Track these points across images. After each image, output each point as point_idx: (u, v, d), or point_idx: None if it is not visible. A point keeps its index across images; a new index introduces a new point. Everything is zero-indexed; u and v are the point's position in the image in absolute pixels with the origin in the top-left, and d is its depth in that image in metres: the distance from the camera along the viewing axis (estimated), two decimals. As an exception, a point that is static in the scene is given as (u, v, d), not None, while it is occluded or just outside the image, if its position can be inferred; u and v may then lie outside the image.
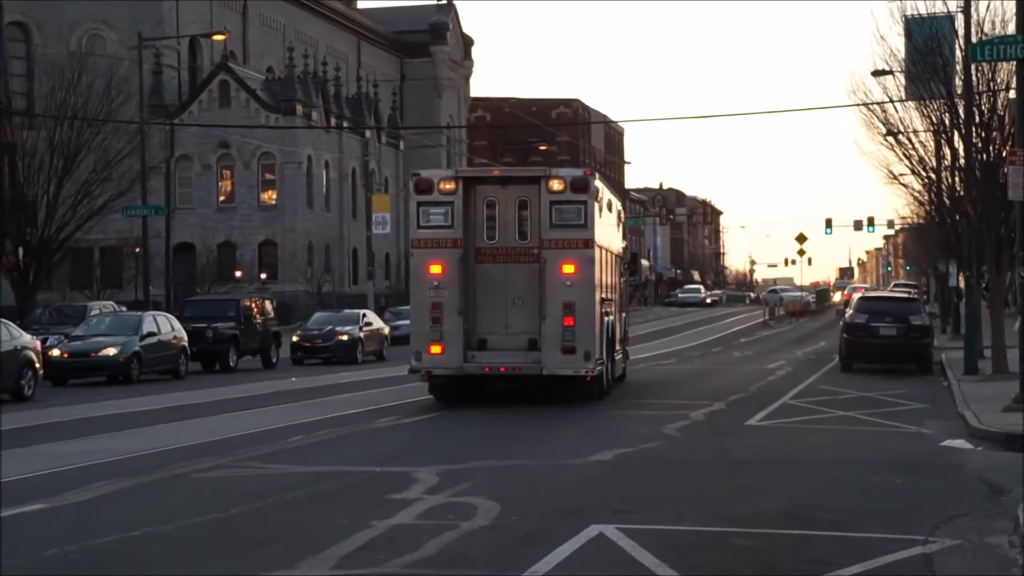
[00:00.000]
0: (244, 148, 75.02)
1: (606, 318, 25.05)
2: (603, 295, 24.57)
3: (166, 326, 36.23)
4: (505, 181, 23.96)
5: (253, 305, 42.39)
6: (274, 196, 75.94)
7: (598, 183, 23.79)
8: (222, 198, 76.09)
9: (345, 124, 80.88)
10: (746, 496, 13.47)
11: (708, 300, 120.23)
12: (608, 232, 25.58)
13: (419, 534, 11.21)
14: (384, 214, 69.75)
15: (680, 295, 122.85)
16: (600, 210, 23.84)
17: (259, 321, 41.73)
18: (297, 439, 19.17)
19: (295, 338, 44.22)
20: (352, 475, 15.16)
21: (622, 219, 30.19)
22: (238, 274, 72.65)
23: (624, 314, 30.36)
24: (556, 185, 22.98)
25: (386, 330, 47.93)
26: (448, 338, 23.24)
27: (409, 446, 18.42)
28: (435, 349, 23.34)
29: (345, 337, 43.58)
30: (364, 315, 46.23)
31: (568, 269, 22.89)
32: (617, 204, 27.83)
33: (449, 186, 23.26)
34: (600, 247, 23.97)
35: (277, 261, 75.03)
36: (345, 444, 18.81)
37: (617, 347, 27.48)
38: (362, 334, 44.30)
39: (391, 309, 63.49)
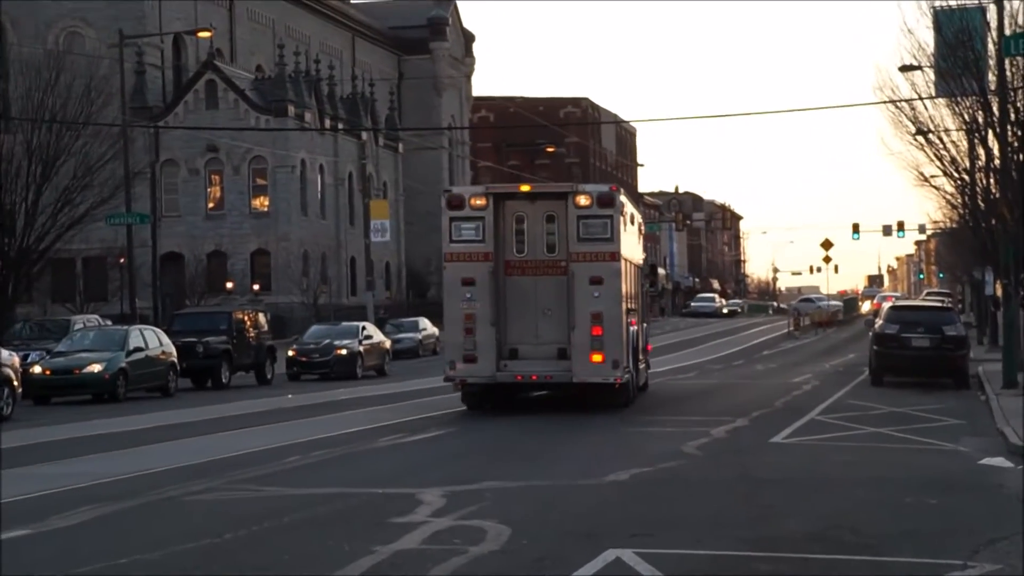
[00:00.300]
0: (233, 152, 75.19)
1: (631, 328, 27.15)
2: (628, 305, 26.77)
3: (154, 341, 36.32)
4: (533, 197, 26.19)
5: (246, 318, 42.48)
6: (266, 202, 76.07)
7: (622, 198, 25.91)
8: (211, 205, 76.24)
9: (340, 125, 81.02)
10: (770, 518, 13.50)
11: (725, 310, 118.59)
12: (631, 244, 27.74)
13: (424, 560, 11.25)
14: (383, 221, 69.83)
15: (693, 304, 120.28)
16: (625, 224, 26.03)
17: (252, 335, 41.82)
18: (294, 459, 19.21)
19: (291, 353, 44.30)
20: (353, 497, 15.20)
21: (642, 231, 32.24)
22: (229, 285, 72.77)
23: (645, 324, 32.40)
24: (583, 200, 25.23)
25: (387, 344, 48.03)
26: (481, 348, 25.41)
27: (414, 466, 18.46)
28: (469, 359, 25.52)
29: (344, 351, 43.66)
30: (364, 328, 46.32)
31: (596, 281, 25.11)
32: (638, 217, 30.24)
33: (480, 202, 25.48)
34: (625, 259, 26.19)
35: (270, 271, 75.13)
36: (345, 464, 18.85)
37: (640, 356, 29.60)
38: (362, 348, 44.38)
39: (392, 321, 63.59)
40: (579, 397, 26.61)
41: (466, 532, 12.58)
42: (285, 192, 75.74)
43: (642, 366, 30.28)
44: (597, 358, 25.15)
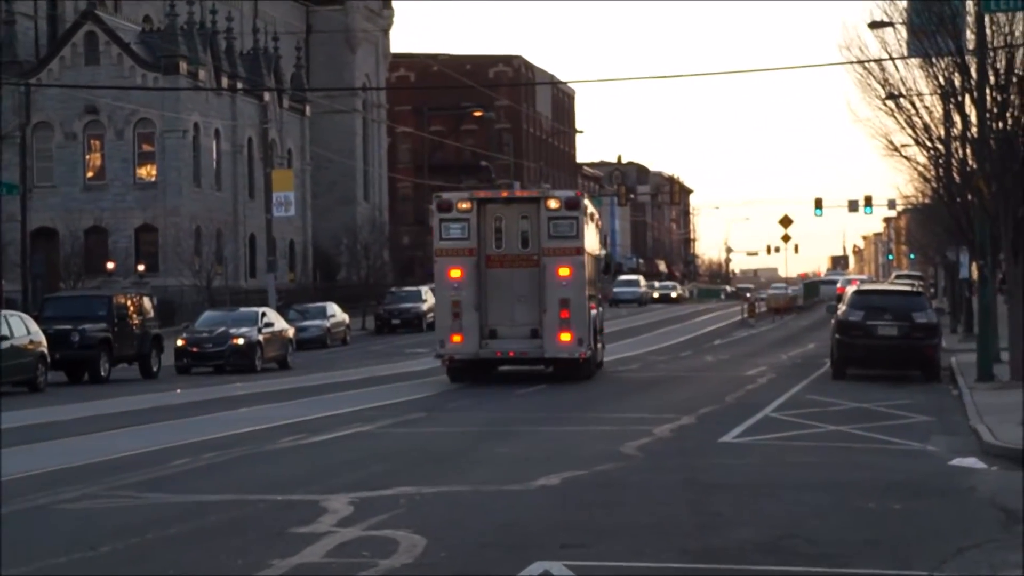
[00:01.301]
0: (116, 114, 74.53)
1: (592, 311, 34.51)
2: (590, 292, 33.95)
3: (20, 328, 35.96)
4: (510, 201, 34.30)
5: (129, 303, 42.19)
6: (154, 172, 75.50)
7: (586, 202, 33.65)
8: (90, 174, 75.55)
9: (239, 85, 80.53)
10: (718, 526, 13.60)
11: (655, 295, 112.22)
12: (592, 240, 35.14)
13: (329, 575, 11.21)
14: (287, 193, 69.53)
15: (614, 290, 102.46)
16: (587, 223, 33.67)
17: (136, 322, 41.55)
18: (182, 462, 19.13)
19: (180, 342, 44.06)
20: (249, 505, 15.15)
21: (599, 225, 39.46)
22: (110, 266, 72.20)
23: (601, 308, 39.48)
24: (553, 204, 32.90)
25: (290, 332, 47.86)
26: (466, 329, 32.77)
27: (319, 469, 18.42)
28: (456, 339, 32.91)
29: (241, 341, 43.49)
30: (263, 314, 46.13)
31: (564, 272, 32.57)
32: (597, 215, 38.11)
33: (466, 206, 33.06)
34: (587, 253, 33.54)
35: (158, 250, 74.64)
36: (241, 468, 18.78)
37: (598, 335, 36.42)
38: (261, 337, 44.21)
39: (296, 307, 63.40)
40: (547, 372, 34.42)
41: (376, 543, 12.58)
42: (175, 160, 75.19)
43: (599, 345, 37.07)
44: (565, 337, 32.71)
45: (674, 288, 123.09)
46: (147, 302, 43.69)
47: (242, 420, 25.79)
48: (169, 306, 65.41)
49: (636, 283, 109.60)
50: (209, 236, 77.21)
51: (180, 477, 17.72)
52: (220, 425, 24.67)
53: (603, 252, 41.36)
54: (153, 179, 75.58)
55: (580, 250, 32.83)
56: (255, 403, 30.09)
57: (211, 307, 55.42)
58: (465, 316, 32.81)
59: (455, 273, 32.94)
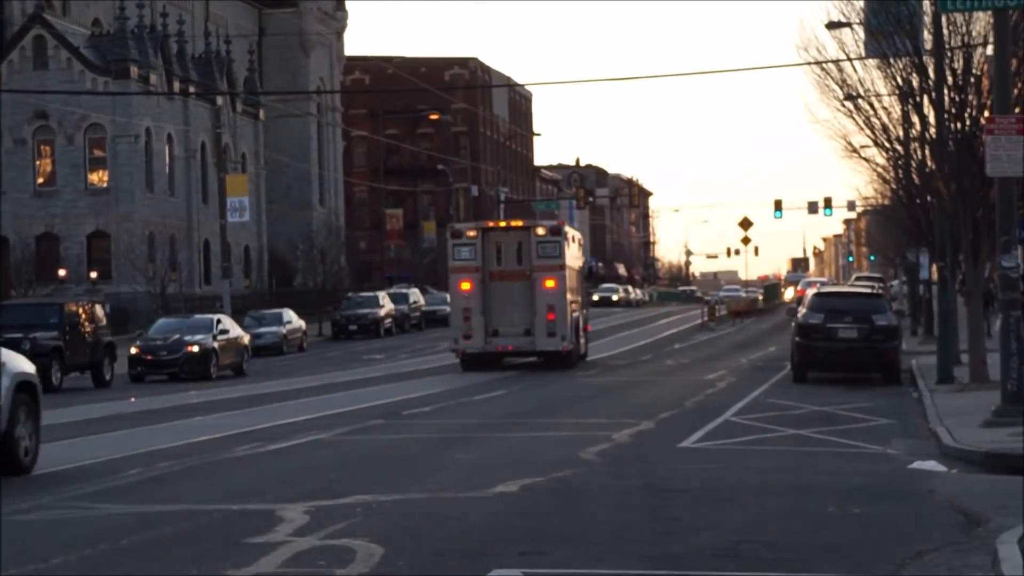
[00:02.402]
0: (67, 119, 74.15)
1: (574, 314, 42.99)
2: (571, 299, 42.56)
3: (-29, 337, 35.73)
4: (507, 229, 43.65)
5: (81, 310, 42.02)
6: (105, 177, 75.17)
7: (566, 228, 43.52)
8: (40, 180, 75.15)
9: (191, 89, 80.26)
10: (677, 532, 13.64)
11: (595, 296, 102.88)
12: (573, 257, 43.70)
13: (284, 585, 11.22)
14: (241, 198, 69.38)
15: None
16: (568, 244, 42.50)
17: (88, 330, 41.37)
18: (135, 472, 19.05)
19: (134, 350, 43.89)
20: (203, 514, 15.10)
21: (582, 244, 48.63)
22: (62, 273, 71.85)
23: (585, 311, 48.46)
24: (540, 231, 42.33)
25: (246, 339, 47.74)
26: (475, 329, 41.52)
27: (274, 478, 18.38)
28: (467, 337, 41.69)
29: (196, 348, 43.38)
30: (219, 321, 46.03)
31: (549, 284, 41.37)
32: (579, 236, 47.22)
33: (472, 233, 42.09)
34: (568, 268, 42.17)
35: (111, 256, 74.32)
36: (195, 477, 18.72)
37: (581, 334, 45.37)
38: (216, 344, 44.11)
39: (252, 313, 63.21)
40: (539, 362, 42.76)
41: (332, 552, 12.55)
42: (127, 165, 74.88)
43: (582, 340, 46.07)
44: (551, 334, 41.43)
45: (615, 291, 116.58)
46: (99, 310, 43.53)
47: (197, 429, 25.71)
48: (122, 313, 65.14)
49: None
50: (163, 242, 76.89)
51: (134, 487, 17.66)
52: (174, 434, 24.60)
53: (585, 265, 51.77)
54: (105, 185, 75.26)
55: (562, 267, 41.80)
56: (210, 411, 30.02)
57: (165, 314, 55.22)
58: (474, 319, 41.54)
59: (465, 286, 41.83)
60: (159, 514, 15.12)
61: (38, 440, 19.37)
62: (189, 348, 43.35)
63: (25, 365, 19.39)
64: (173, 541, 13.59)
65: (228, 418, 27.93)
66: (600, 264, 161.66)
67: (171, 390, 38.02)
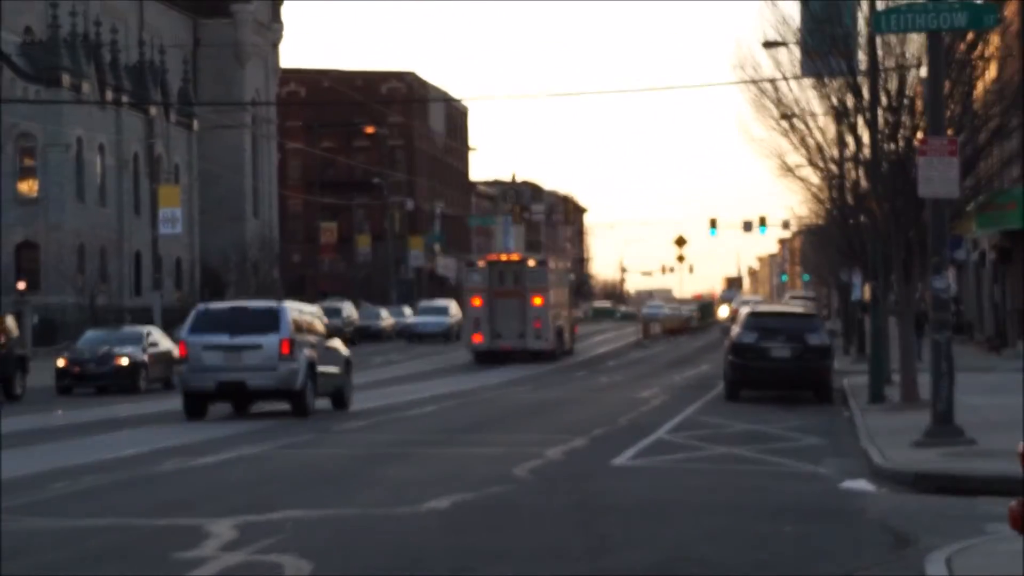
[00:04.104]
0: (-3, 127, 73.44)
1: (557, 322, 58.36)
2: (554, 312, 57.98)
3: None
4: (508, 262, 58.45)
5: (-11, 323, 41.37)
6: (35, 187, 74.57)
7: (550, 261, 60.99)
8: (-31, 189, 74.37)
9: (124, 98, 79.78)
10: (608, 549, 13.69)
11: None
12: (556, 281, 59.74)
13: (212, 600, 11.17)
14: (174, 209, 69.08)
15: (414, 321, 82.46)
16: (551, 272, 58.73)
17: (0, 342, 40.74)
18: (60, 486, 18.90)
19: (61, 362, 43.46)
20: (131, 530, 15.02)
21: (568, 268, 68.89)
22: (-11, 283, 71.05)
23: (572, 317, 66.93)
24: (531, 263, 57.96)
25: (176, 352, 47.32)
26: (484, 333, 55.96)
27: (203, 493, 18.29)
28: (477, 338, 56.33)
29: (125, 361, 43.01)
30: (148, 333, 45.65)
31: (537, 301, 56.28)
32: (563, 264, 68.72)
33: (482, 264, 57.79)
34: (551, 289, 57.45)
35: (40, 267, 73.70)
36: (122, 491, 18.60)
37: (564, 336, 60.66)
38: (146, 357, 43.74)
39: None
40: (531, 359, 55.84)
41: (261, 568, 12.54)
42: (58, 175, 74.33)
43: (566, 339, 61.38)
44: (538, 338, 56.41)
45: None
46: (11, 321, 42.82)
47: (125, 442, 25.53)
48: (51, 325, 64.62)
49: (444, 310, 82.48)
50: (93, 253, 76.35)
51: (59, 501, 17.51)
52: (102, 448, 24.40)
53: (572, 284, 72.94)
54: (35, 194, 74.66)
55: (546, 289, 56.88)
56: (139, 424, 29.80)
57: (94, 326, 54.76)
58: (483, 325, 56.16)
59: (476, 302, 56.57)
60: (86, 528, 15.02)
61: None
62: (118, 361, 42.95)
63: None
64: (100, 556, 13.52)
65: (158, 432, 27.72)
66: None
67: (99, 403, 37.71)
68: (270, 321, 30.30)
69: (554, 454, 22.44)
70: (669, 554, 13.32)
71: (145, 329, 46.83)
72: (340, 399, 32.43)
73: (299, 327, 30.73)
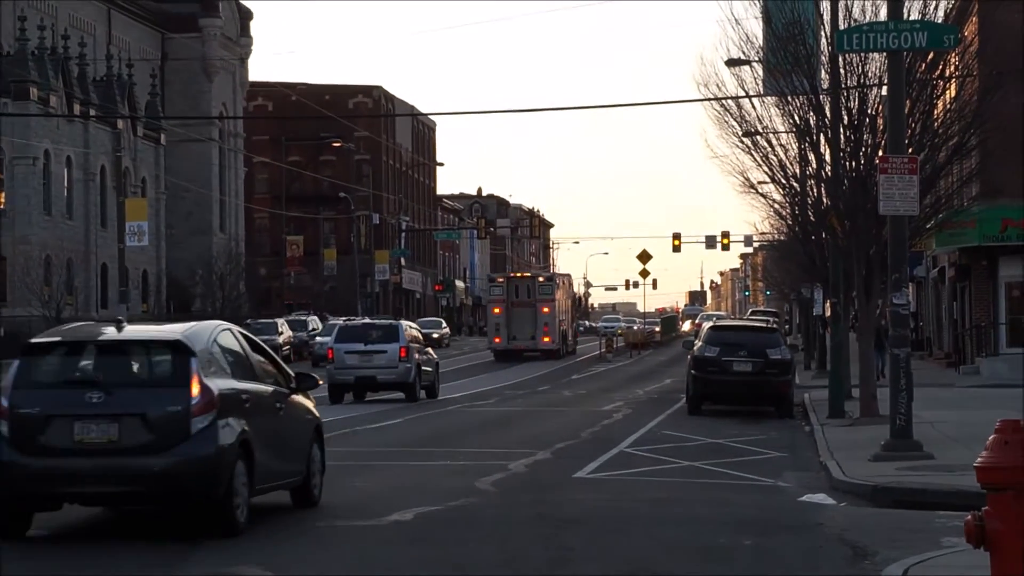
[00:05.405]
0: (-35, 139, 73.05)
1: (562, 327, 72.62)
2: (560, 318, 71.96)
3: None
4: (522, 278, 73.95)
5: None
6: (2, 200, 74.12)
7: (558, 276, 78.67)
8: (-64, 201, 73.94)
9: (92, 112, 79.47)
10: (570, 561, 13.71)
11: (435, 335, 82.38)
12: (563, 293, 74.10)
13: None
14: (141, 222, 68.74)
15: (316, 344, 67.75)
16: (559, 286, 73.30)
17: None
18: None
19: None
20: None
21: (571, 284, 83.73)
22: (-45, 295, 70.66)
23: (575, 323, 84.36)
24: (541, 279, 73.70)
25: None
26: (502, 335, 69.60)
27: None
28: (497, 340, 70.22)
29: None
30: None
31: (545, 310, 69.97)
32: (569, 278, 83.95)
33: (501, 280, 73.98)
34: (559, 300, 71.49)
35: (6, 280, 73.27)
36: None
37: (568, 339, 76.04)
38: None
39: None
40: (541, 357, 68.31)
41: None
42: (25, 188, 73.94)
43: (570, 342, 76.96)
44: (547, 340, 69.57)
45: (439, 326, 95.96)
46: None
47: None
48: (16, 338, 64.16)
49: (397, 330, 68.49)
50: (60, 266, 75.93)
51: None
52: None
53: (575, 295, 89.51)
54: (1, 207, 74.24)
55: (553, 300, 70.47)
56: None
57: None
58: (501, 330, 69.83)
59: (496, 310, 70.71)
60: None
61: None
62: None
63: None
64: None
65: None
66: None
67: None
68: (392, 333, 40.43)
69: (517, 467, 22.45)
70: (630, 566, 13.35)
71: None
72: (432, 391, 41.95)
73: (411, 338, 40.65)
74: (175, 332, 15.29)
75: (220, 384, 14.89)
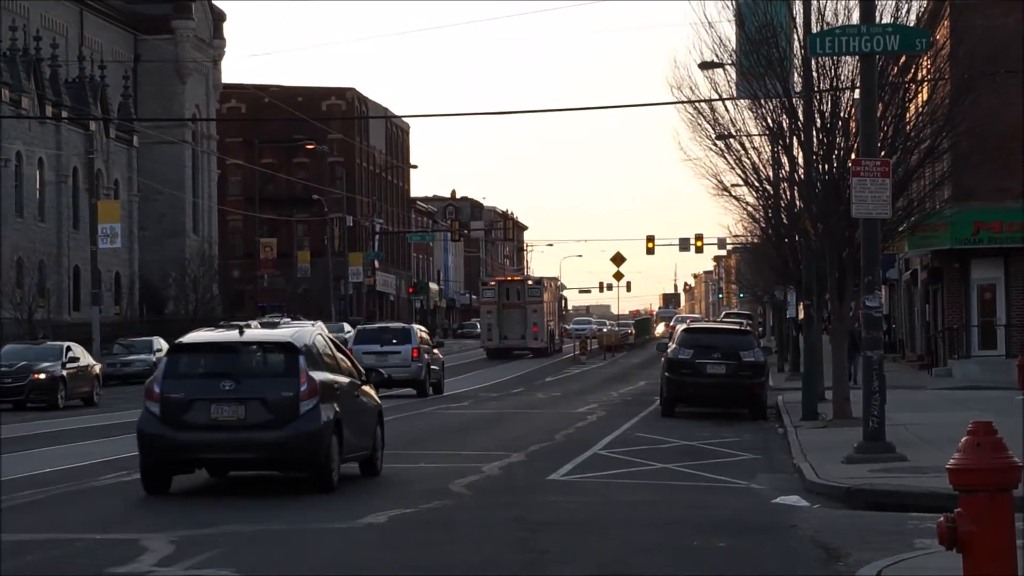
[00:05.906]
0: (-64, 140, 72.71)
1: (549, 327, 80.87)
2: (548, 319, 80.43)
3: None
4: (512, 281, 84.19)
5: None
6: (-26, 201, 73.73)
7: (546, 279, 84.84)
8: (-93, 202, 73.54)
9: (64, 114, 79.20)
10: (544, 564, 13.71)
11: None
12: (549, 295, 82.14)
13: (147, 615, 11.10)
14: (113, 224, 68.52)
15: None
16: (546, 288, 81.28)
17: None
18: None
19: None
20: (67, 544, 14.91)
21: (558, 287, 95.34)
22: (-74, 297, 70.20)
23: (561, 324, 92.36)
24: (530, 282, 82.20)
25: (97, 368, 46.63)
26: (494, 335, 77.31)
27: (140, 508, 18.21)
28: (489, 339, 77.28)
29: (43, 376, 42.38)
30: (68, 349, 44.86)
31: (534, 310, 77.86)
32: (555, 281, 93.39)
33: (493, 283, 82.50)
34: (545, 302, 79.34)
35: (-23, 281, 72.84)
36: (57, 506, 18.47)
37: (555, 338, 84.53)
38: (65, 372, 43.10)
39: (121, 341, 62.32)
40: (531, 355, 76.43)
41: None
42: (-3, 189, 73.57)
43: (556, 341, 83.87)
44: (534, 339, 77.43)
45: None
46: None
47: (56, 457, 25.37)
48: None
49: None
50: (31, 268, 75.59)
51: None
52: (29, 463, 24.10)
53: (559, 298, 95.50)
54: (-27, 208, 73.81)
55: (541, 301, 77.20)
56: (67, 440, 29.53)
57: (19, 340, 53.71)
58: (493, 329, 76.24)
59: (489, 311, 77.00)
60: (22, 543, 14.88)
61: None
62: (36, 376, 42.26)
63: None
64: (36, 570, 13.42)
65: (88, 447, 27.50)
66: (475, 297, 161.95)
67: (17, 419, 37.09)
68: (405, 335, 45.46)
69: (491, 469, 22.44)
70: (604, 569, 13.36)
71: (65, 344, 45.97)
72: (439, 387, 46.43)
73: (421, 340, 45.38)
74: (285, 335, 19.68)
75: (319, 376, 18.92)
